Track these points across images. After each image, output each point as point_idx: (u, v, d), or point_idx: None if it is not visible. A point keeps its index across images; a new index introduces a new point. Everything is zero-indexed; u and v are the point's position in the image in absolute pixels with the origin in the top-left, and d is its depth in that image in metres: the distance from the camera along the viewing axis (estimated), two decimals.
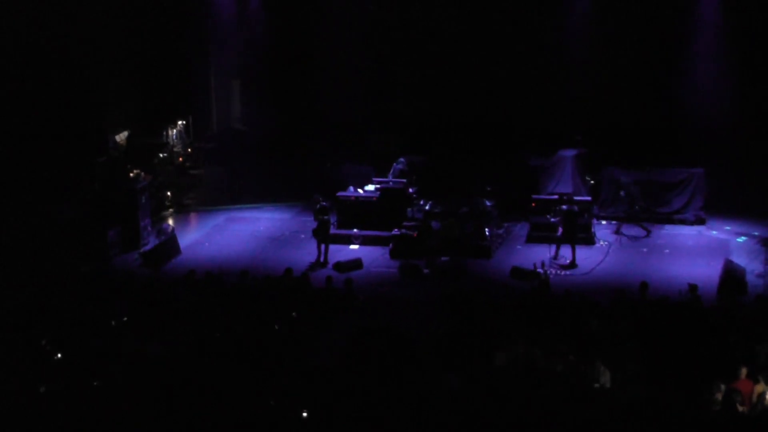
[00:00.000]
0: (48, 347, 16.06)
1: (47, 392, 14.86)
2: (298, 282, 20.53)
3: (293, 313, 18.72)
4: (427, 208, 25.78)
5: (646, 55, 29.12)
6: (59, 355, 15.90)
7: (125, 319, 18.59)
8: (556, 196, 25.40)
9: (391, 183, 26.83)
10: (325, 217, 24.53)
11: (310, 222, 25.36)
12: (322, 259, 24.39)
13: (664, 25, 28.91)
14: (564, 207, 24.41)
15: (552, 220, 24.63)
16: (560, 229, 24.35)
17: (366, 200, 26.52)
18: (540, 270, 22.50)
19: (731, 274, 21.72)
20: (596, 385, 15.16)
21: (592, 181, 27.74)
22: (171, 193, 29.40)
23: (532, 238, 25.81)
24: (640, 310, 18.35)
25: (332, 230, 25.31)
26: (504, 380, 15.17)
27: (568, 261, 24.07)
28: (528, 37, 29.62)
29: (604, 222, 27.14)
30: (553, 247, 24.35)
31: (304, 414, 13.84)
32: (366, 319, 19.09)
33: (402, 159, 27.69)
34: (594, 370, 15.35)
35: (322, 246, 24.50)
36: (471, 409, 14.53)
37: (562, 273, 23.34)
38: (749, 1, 28.08)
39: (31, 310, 18.62)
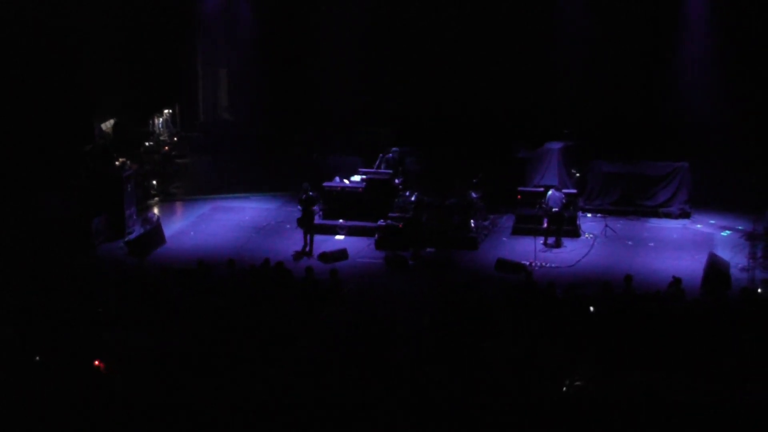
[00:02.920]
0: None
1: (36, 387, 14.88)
2: (277, 272, 20.42)
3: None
4: (413, 199, 25.73)
5: (633, 48, 29.12)
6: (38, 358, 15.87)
7: (113, 309, 18.55)
8: (542, 189, 25.42)
9: (377, 174, 26.78)
10: (311, 207, 24.47)
11: (296, 212, 25.28)
12: (307, 249, 24.35)
13: (652, 19, 28.92)
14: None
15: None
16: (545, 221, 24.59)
17: (352, 191, 26.45)
18: (526, 263, 22.61)
19: (715, 268, 21.75)
20: (577, 382, 15.18)
21: (578, 174, 27.74)
22: (157, 182, 29.24)
23: (518, 231, 25.82)
24: (626, 303, 18.42)
25: (318, 220, 25.26)
26: (491, 372, 15.19)
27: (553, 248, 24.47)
28: (516, 30, 29.53)
29: (589, 215, 27.17)
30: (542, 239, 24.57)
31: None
32: (352, 310, 19.06)
33: (394, 149, 27.61)
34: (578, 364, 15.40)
35: (308, 236, 24.46)
36: (460, 400, 14.57)
37: (547, 265, 23.36)
38: None
39: (21, 301, 18.54)
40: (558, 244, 24.71)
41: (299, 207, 24.51)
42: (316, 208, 24.98)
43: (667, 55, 29.06)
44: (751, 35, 27.92)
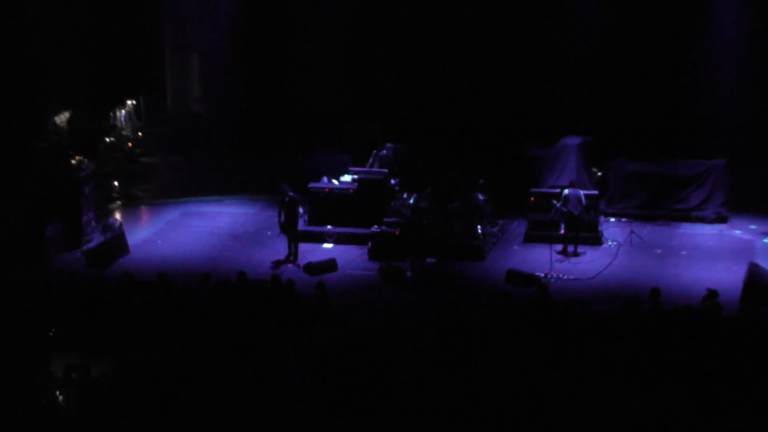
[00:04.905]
0: None
1: None
2: (260, 287, 20.43)
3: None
4: (411, 202, 25.73)
5: (659, 32, 29.16)
6: None
7: (68, 330, 18.50)
8: (558, 190, 25.39)
9: (370, 173, 26.76)
10: (296, 209, 24.44)
11: (275, 217, 25.23)
12: (291, 258, 24.33)
13: (681, 3, 28.95)
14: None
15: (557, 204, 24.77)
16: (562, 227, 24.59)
17: (341, 193, 26.43)
18: (540, 275, 22.62)
19: (756, 280, 21.73)
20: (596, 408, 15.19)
21: (599, 173, 27.74)
22: (119, 184, 29.23)
23: (531, 238, 25.80)
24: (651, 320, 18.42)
25: (302, 227, 25.23)
26: (495, 398, 15.22)
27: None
28: (525, 12, 29.58)
29: (612, 219, 27.17)
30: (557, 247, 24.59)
31: None
32: (340, 328, 19.04)
33: (389, 145, 27.63)
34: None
35: (293, 243, 24.43)
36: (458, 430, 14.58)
37: (565, 277, 23.35)
38: None
39: None
40: (575, 253, 24.70)
41: (280, 212, 24.47)
42: (300, 210, 24.89)
43: (698, 43, 29.04)
44: None
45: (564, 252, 24.63)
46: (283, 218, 24.42)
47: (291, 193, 24.55)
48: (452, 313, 18.95)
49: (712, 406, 15.19)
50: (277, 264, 24.02)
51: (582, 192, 24.94)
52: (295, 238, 24.46)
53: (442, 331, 18.18)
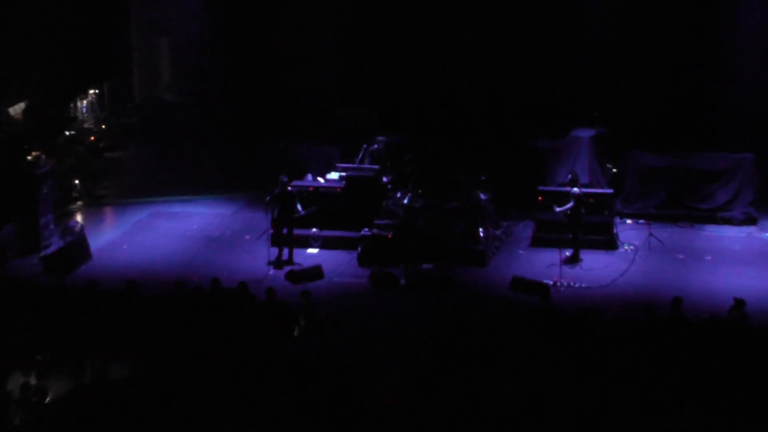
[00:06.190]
0: None
1: None
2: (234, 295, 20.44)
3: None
4: (405, 201, 25.75)
5: (680, 16, 29.24)
6: None
7: (24, 344, 18.46)
8: (568, 188, 25.42)
9: (359, 170, 26.78)
10: (296, 206, 24.55)
11: (254, 218, 25.22)
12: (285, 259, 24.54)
13: None
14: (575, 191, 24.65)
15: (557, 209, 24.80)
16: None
17: (328, 192, 26.42)
18: (549, 282, 22.68)
19: None
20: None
21: (614, 169, 27.77)
22: (80, 182, 29.23)
23: (538, 241, 25.82)
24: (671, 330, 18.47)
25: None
26: (495, 408, 15.29)
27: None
28: None
29: (629, 221, 27.21)
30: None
31: None
32: (327, 342, 19.05)
33: (380, 138, 27.64)
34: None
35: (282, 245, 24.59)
36: None
37: (576, 285, 23.38)
38: None
39: None
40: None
41: (273, 206, 24.52)
42: (299, 209, 24.83)
43: (721, 23, 29.15)
44: None
45: (574, 257, 24.62)
46: (276, 213, 24.45)
47: (289, 188, 24.60)
48: (452, 317, 19.01)
49: (739, 425, 15.22)
50: (279, 265, 24.22)
51: (579, 189, 24.80)
52: (289, 238, 24.61)
53: (440, 337, 18.22)
